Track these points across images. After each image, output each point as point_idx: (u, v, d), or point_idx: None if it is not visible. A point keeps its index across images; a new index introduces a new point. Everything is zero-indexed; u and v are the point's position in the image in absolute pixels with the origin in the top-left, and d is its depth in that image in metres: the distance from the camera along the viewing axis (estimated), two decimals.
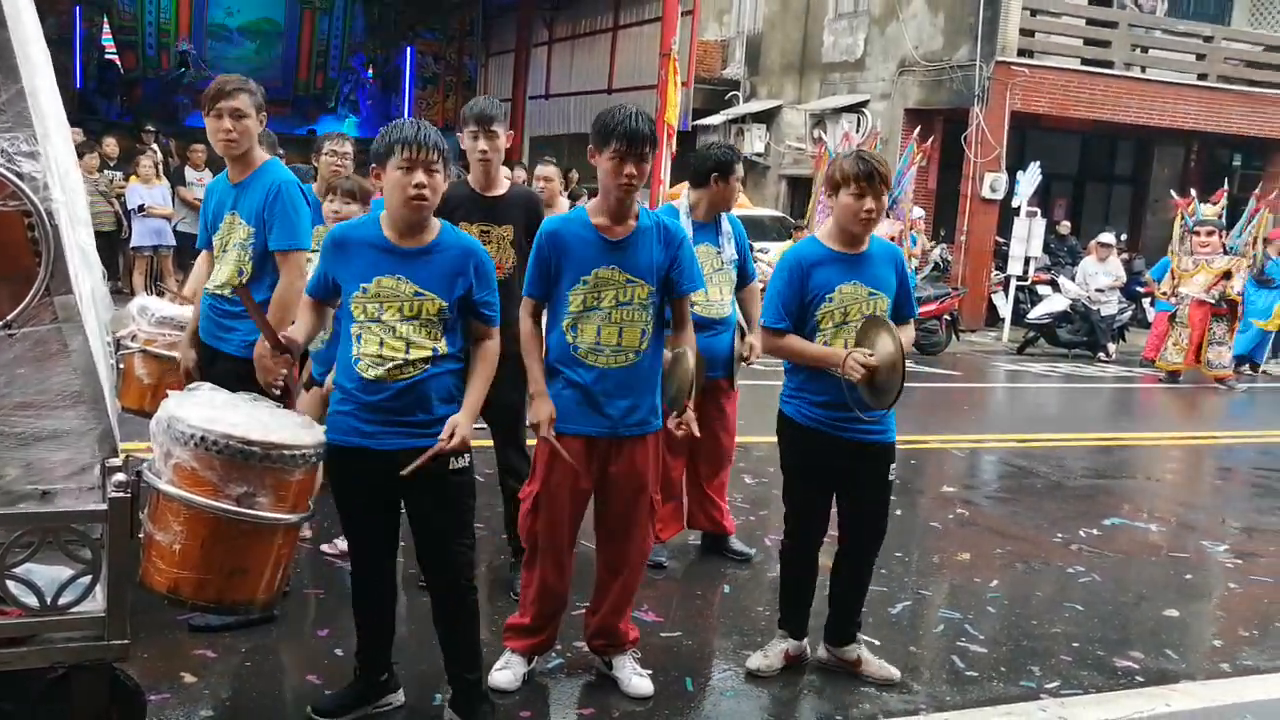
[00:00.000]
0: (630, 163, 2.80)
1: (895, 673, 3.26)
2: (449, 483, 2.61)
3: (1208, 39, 14.70)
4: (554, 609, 3.09)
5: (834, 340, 3.04)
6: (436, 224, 2.66)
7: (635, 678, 3.07)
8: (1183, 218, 10.79)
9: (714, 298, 4.00)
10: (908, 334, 3.11)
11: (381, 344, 2.56)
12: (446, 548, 2.67)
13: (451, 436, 2.54)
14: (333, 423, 2.63)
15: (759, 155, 16.35)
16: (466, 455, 2.64)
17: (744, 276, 4.20)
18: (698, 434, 3.04)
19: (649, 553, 3.21)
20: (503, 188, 3.69)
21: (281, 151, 6.89)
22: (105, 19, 16.93)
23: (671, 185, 10.94)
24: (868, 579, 3.32)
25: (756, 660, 3.28)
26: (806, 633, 3.32)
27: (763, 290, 3.43)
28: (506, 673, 3.05)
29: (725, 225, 4.10)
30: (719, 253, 4.04)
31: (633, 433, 2.94)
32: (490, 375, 2.68)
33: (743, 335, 4.20)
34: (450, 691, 2.78)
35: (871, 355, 2.93)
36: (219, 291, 3.30)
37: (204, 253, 3.47)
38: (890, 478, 3.18)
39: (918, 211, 11.25)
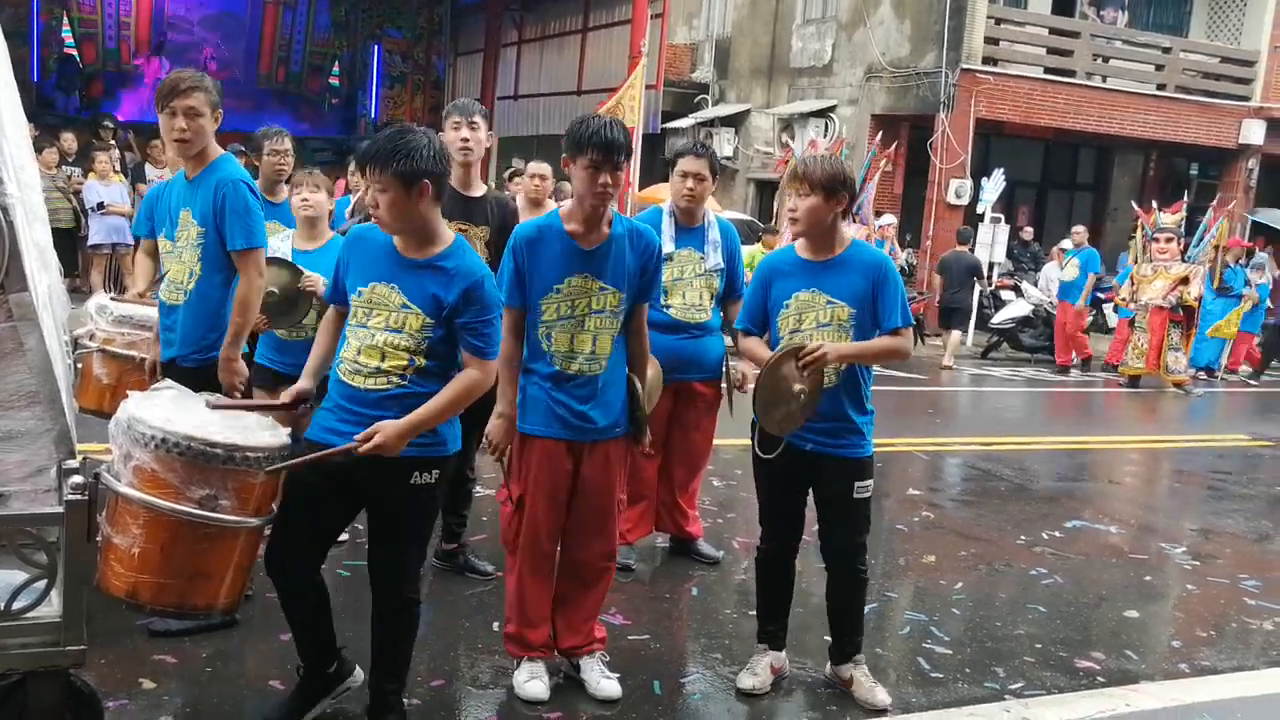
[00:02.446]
0: (605, 172, 2.81)
1: (883, 700, 3.12)
2: (408, 498, 2.55)
3: (1166, 50, 15.01)
4: (542, 611, 3.07)
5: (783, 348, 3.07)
6: (448, 238, 2.57)
7: (603, 680, 3.05)
8: (1143, 229, 11.03)
9: (692, 301, 3.99)
10: (883, 342, 3.01)
11: (359, 350, 2.54)
12: (393, 560, 2.61)
13: (370, 439, 2.39)
14: (316, 417, 2.62)
15: (727, 159, 16.41)
16: (432, 473, 2.55)
17: (731, 289, 4.11)
18: (650, 451, 3.04)
19: (615, 555, 3.17)
20: (481, 189, 3.74)
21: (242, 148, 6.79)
22: (64, 12, 16.59)
23: (640, 189, 10.97)
24: (849, 598, 3.20)
25: (747, 680, 3.19)
26: (784, 644, 3.28)
27: None
28: (536, 683, 3.01)
29: (714, 233, 4.03)
30: (702, 258, 4.00)
31: (605, 436, 2.96)
32: (453, 402, 2.49)
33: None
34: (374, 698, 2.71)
35: (755, 374, 2.99)
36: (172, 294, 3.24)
37: (144, 243, 3.42)
38: (860, 495, 3.07)
39: (888, 218, 11.35)
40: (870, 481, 3.11)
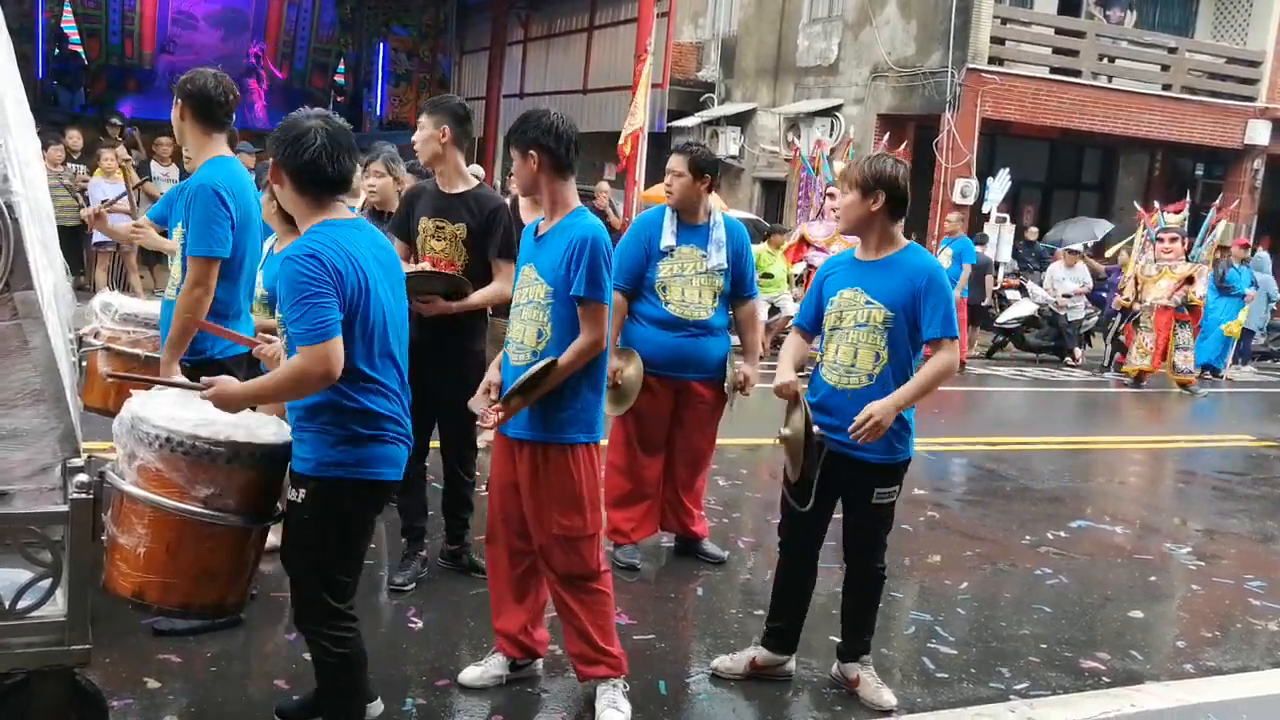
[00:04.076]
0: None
1: (889, 701, 3.12)
2: (291, 509, 2.41)
3: (1172, 50, 14.96)
4: (498, 602, 3.04)
5: (828, 343, 3.08)
6: (305, 228, 2.40)
7: (609, 710, 2.88)
8: (1144, 228, 10.99)
9: (690, 298, 3.97)
10: (928, 371, 2.96)
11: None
12: (291, 575, 2.47)
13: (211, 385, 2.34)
14: None
15: (733, 158, 16.39)
16: (299, 491, 2.38)
17: (738, 289, 4.07)
18: (489, 424, 2.82)
19: (581, 575, 2.90)
20: (462, 186, 3.69)
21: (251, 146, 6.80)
22: (69, 7, 16.62)
23: (647, 187, 10.95)
24: (862, 601, 3.19)
25: (723, 660, 3.27)
26: (787, 648, 3.26)
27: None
28: (474, 669, 3.05)
29: (718, 233, 4.00)
30: (704, 256, 3.99)
31: (524, 435, 2.82)
32: (277, 385, 2.35)
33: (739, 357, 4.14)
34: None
35: (785, 428, 3.03)
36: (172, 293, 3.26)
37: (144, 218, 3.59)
38: (880, 500, 3.06)
39: None
40: (895, 488, 3.08)
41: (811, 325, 3.18)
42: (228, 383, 2.36)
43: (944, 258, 11.25)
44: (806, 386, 3.11)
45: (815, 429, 2.99)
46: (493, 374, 2.97)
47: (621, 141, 10.67)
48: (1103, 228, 13.84)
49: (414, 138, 3.67)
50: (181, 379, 2.61)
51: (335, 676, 2.45)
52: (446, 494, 3.89)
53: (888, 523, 3.16)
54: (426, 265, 3.62)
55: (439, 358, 3.48)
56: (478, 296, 3.57)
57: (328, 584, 2.39)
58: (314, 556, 2.39)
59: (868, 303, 3.00)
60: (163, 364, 3.06)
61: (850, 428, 2.90)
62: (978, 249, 12.01)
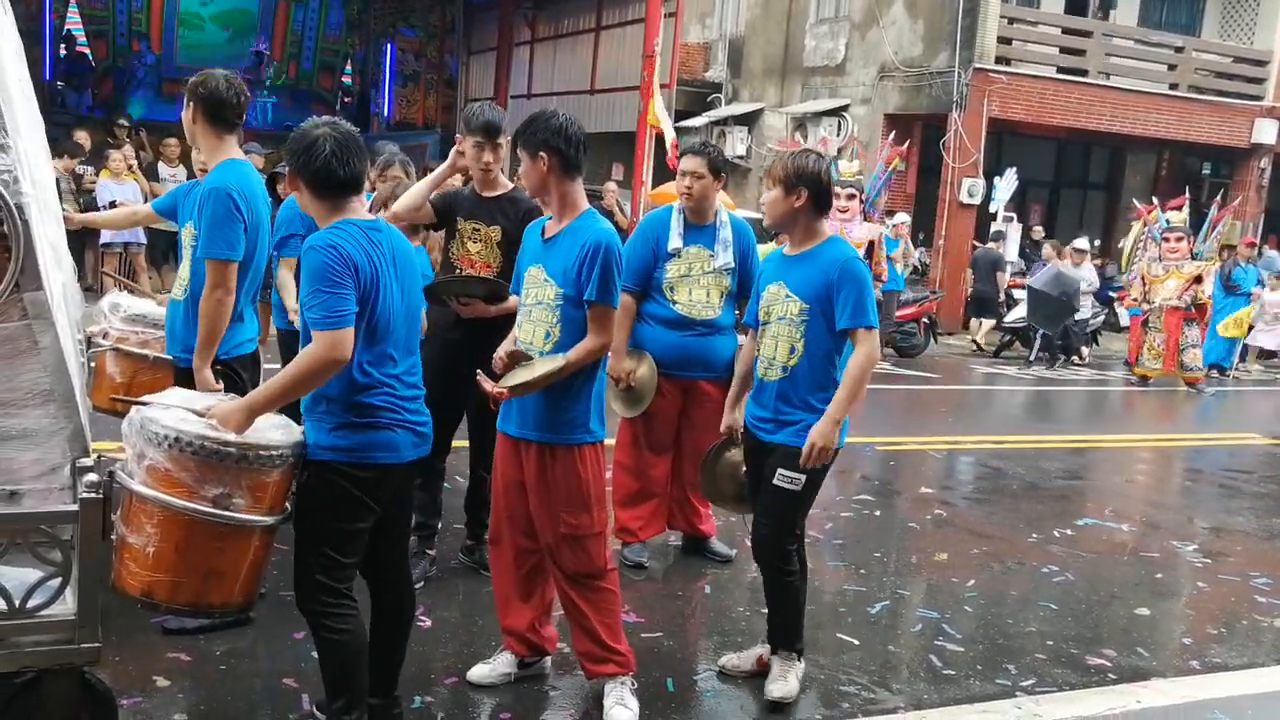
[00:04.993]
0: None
1: (771, 693, 3.04)
2: (297, 494, 2.48)
3: (1179, 49, 14.91)
4: (504, 600, 3.05)
5: (760, 338, 3.14)
6: (327, 224, 2.48)
7: (617, 707, 2.88)
8: (1145, 225, 10.94)
9: (698, 298, 3.98)
10: (847, 381, 2.92)
11: None
12: (295, 554, 2.50)
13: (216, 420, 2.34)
14: None
15: (740, 158, 16.37)
16: (303, 474, 2.45)
17: (744, 288, 4.05)
18: (490, 393, 2.79)
19: (588, 574, 2.90)
20: (499, 189, 3.69)
21: (257, 146, 6.82)
22: (75, 8, 16.68)
23: (653, 187, 10.96)
24: (772, 598, 3.11)
25: (730, 658, 3.29)
26: (790, 644, 3.21)
27: None
28: (483, 667, 3.07)
29: (725, 232, 4.00)
30: (712, 256, 3.99)
31: (531, 436, 2.84)
32: (293, 378, 2.36)
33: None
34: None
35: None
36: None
37: (146, 206, 3.59)
38: (781, 484, 2.97)
39: (901, 217, 11.34)
40: (800, 476, 2.96)
41: (755, 323, 3.21)
42: (229, 402, 2.42)
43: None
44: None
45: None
46: (510, 344, 2.94)
47: (670, 142, 10.64)
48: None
49: (488, 159, 3.55)
50: (188, 397, 2.59)
51: (335, 658, 2.49)
52: (470, 493, 3.92)
53: (789, 521, 3.03)
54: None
55: (470, 358, 3.48)
56: (514, 301, 3.57)
57: (324, 562, 2.45)
58: (312, 536, 2.47)
59: (787, 296, 3.03)
60: (196, 370, 3.08)
61: (800, 460, 2.92)
62: (992, 246, 12.16)
